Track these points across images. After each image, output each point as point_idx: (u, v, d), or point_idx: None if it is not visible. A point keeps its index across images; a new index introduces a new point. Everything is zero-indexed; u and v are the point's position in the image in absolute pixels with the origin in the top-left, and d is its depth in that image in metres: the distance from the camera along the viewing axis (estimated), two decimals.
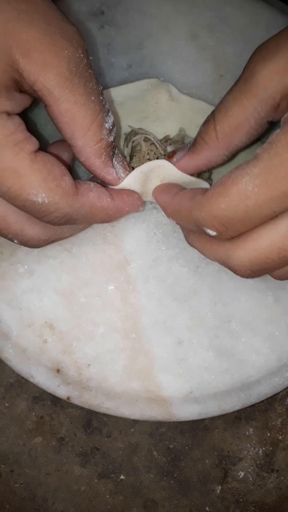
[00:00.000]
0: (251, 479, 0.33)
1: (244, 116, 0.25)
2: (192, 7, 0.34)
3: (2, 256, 0.31)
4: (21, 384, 0.34)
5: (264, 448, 0.34)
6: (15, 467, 0.33)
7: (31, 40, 0.23)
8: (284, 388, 0.32)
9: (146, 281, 0.31)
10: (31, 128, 0.27)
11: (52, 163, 0.25)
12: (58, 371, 0.31)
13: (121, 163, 0.28)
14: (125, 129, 0.32)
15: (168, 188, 0.28)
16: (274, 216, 0.23)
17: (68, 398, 0.31)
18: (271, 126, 0.26)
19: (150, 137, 0.30)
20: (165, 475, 0.33)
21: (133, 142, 0.30)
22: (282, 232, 0.23)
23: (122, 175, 0.28)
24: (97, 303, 0.31)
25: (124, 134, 0.32)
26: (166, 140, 0.31)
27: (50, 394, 0.32)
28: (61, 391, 0.31)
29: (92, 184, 0.27)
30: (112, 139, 0.26)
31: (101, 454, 0.33)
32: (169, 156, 0.29)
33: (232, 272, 0.31)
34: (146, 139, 0.30)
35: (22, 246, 0.31)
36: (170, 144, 0.30)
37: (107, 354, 0.31)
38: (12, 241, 0.28)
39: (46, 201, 0.24)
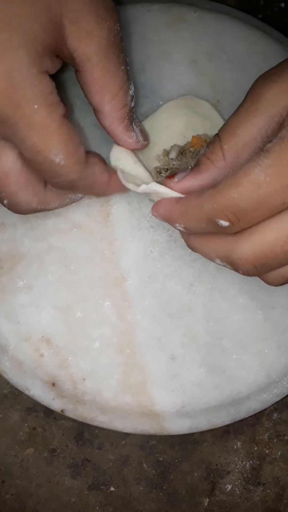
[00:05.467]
0: (238, 492, 0.34)
1: (252, 134, 0.26)
2: (192, 34, 0.35)
3: (1, 271, 0.32)
4: (15, 395, 0.34)
5: (251, 462, 0.34)
6: (6, 478, 0.34)
7: (80, 10, 0.25)
8: (272, 404, 0.33)
9: (141, 298, 0.32)
10: None
11: (75, 131, 0.26)
12: (53, 384, 0.31)
13: (139, 128, 0.30)
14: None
15: (167, 199, 0.28)
16: (283, 209, 0.24)
17: (62, 411, 0.31)
18: None
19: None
20: (154, 487, 0.34)
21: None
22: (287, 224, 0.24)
23: (141, 138, 0.30)
24: (94, 318, 0.32)
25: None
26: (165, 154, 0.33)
27: (43, 405, 0.32)
28: (56, 404, 0.31)
29: (97, 159, 0.29)
30: (133, 105, 0.29)
31: (92, 465, 0.34)
32: (168, 177, 0.29)
33: (224, 290, 0.32)
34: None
35: (22, 261, 0.32)
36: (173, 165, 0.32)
37: (102, 369, 0.31)
38: (2, 202, 0.28)
39: (62, 163, 0.26)
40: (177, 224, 0.28)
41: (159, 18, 0.35)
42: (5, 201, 0.28)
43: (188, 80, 0.34)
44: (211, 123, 0.33)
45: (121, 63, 0.27)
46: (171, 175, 0.29)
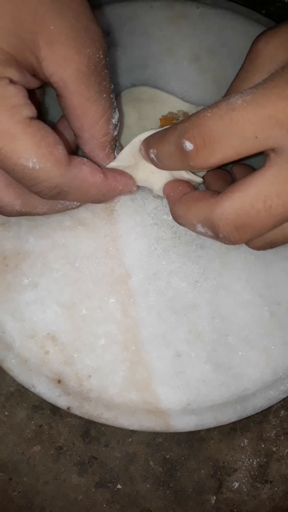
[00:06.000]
0: (245, 489, 0.34)
1: None
2: (194, 30, 0.35)
3: (7, 269, 0.32)
4: (21, 393, 0.34)
5: (258, 459, 0.34)
6: (13, 475, 0.34)
7: (58, 32, 0.23)
8: (279, 401, 0.33)
9: (146, 295, 0.32)
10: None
11: (47, 131, 0.25)
12: (59, 381, 0.31)
13: None
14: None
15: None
16: (254, 150, 0.23)
17: (68, 408, 0.31)
18: None
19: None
20: (161, 485, 0.34)
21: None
22: (269, 178, 0.23)
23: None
24: (98, 315, 0.32)
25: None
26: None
27: (49, 403, 0.32)
28: (62, 401, 0.31)
29: (85, 159, 0.27)
30: (116, 134, 0.28)
31: (99, 463, 0.34)
32: None
33: (229, 287, 0.32)
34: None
35: (27, 259, 0.32)
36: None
37: (107, 366, 0.31)
38: None
39: (37, 167, 0.24)
40: (151, 151, 0.27)
41: (162, 14, 0.35)
42: None
43: (191, 76, 0.34)
44: (159, 103, 0.34)
45: (102, 91, 0.26)
46: None
